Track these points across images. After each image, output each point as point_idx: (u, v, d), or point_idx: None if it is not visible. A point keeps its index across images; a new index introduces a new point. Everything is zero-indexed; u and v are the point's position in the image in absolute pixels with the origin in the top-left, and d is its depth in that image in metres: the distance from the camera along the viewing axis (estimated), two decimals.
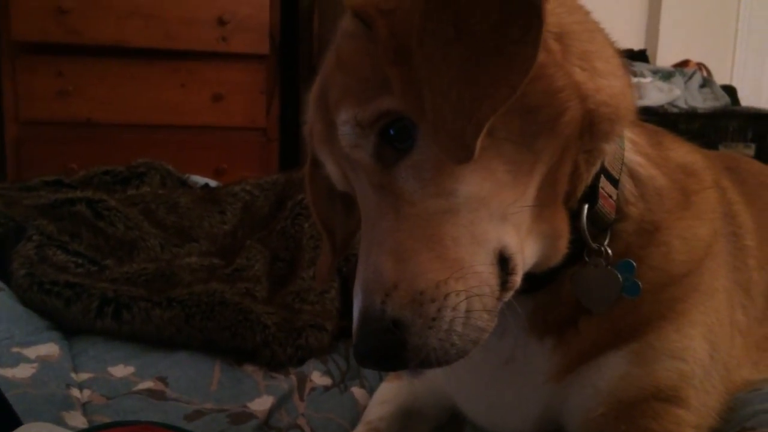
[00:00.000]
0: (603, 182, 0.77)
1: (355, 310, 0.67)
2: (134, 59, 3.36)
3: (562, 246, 0.75)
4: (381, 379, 1.17)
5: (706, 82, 4.12)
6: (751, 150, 3.70)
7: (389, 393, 1.02)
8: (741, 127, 3.76)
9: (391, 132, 0.69)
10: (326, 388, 1.26)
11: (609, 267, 0.76)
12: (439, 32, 0.63)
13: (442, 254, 0.65)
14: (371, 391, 1.20)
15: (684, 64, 4.37)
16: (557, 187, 0.73)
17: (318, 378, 1.29)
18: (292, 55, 3.79)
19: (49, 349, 1.25)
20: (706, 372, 0.80)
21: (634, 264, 0.77)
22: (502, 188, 0.68)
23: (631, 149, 0.83)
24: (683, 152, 0.90)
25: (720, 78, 4.48)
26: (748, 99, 4.49)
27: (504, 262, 0.69)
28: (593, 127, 0.73)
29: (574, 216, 0.76)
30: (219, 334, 1.32)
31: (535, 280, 0.78)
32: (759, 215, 0.99)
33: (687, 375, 0.78)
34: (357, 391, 1.24)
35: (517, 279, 0.70)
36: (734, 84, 4.59)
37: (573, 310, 0.79)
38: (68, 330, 1.35)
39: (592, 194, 0.77)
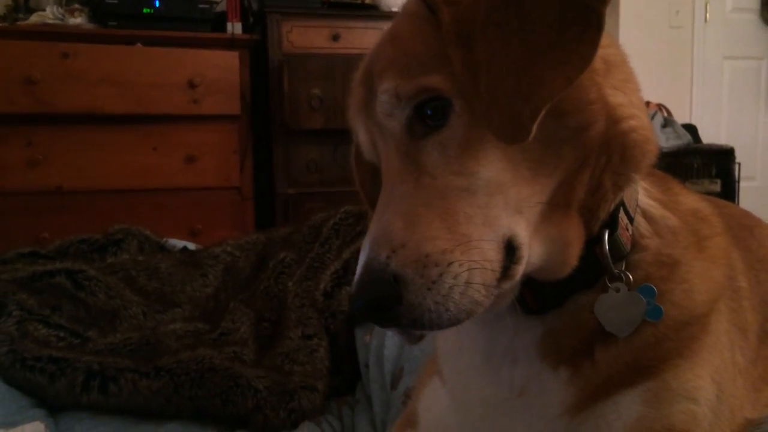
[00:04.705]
0: (621, 214, 0.80)
1: (359, 262, 0.69)
2: (105, 126, 3.36)
3: (572, 256, 0.76)
4: None
5: (668, 122, 4.25)
6: (716, 185, 3.80)
7: None
8: (705, 164, 3.87)
9: (428, 111, 0.72)
10: None
11: (632, 291, 0.78)
12: (502, 23, 0.68)
13: (452, 227, 0.68)
14: None
15: None
16: (572, 193, 0.75)
17: None
18: (264, 112, 3.83)
19: (35, 428, 1.22)
20: (715, 414, 0.80)
21: (655, 289, 0.78)
22: (520, 181, 0.71)
23: (643, 194, 0.86)
24: (692, 198, 0.92)
25: (680, 117, 4.63)
26: (708, 136, 4.64)
27: (511, 250, 0.71)
28: (625, 152, 0.77)
29: (594, 242, 0.78)
30: (209, 402, 1.29)
31: (543, 297, 0.79)
32: (745, 257, 1.01)
33: (699, 417, 0.78)
34: None
35: (520, 269, 0.72)
36: (694, 122, 4.74)
37: (588, 338, 0.79)
38: (53, 407, 1.32)
39: (612, 222, 0.79)
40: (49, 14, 3.48)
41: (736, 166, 4.06)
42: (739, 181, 4.16)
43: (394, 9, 3.88)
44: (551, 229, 0.74)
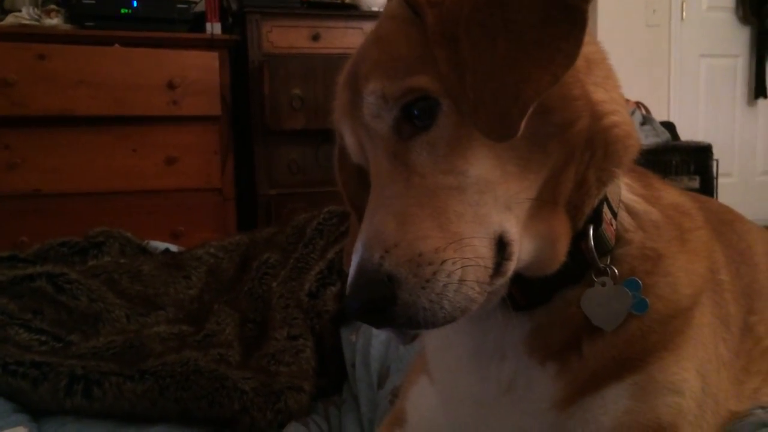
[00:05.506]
0: (605, 209, 0.81)
1: (352, 264, 0.69)
2: (83, 127, 3.32)
3: (560, 251, 0.77)
4: None
5: (646, 120, 4.29)
6: (695, 182, 3.85)
7: None
8: (684, 160, 3.92)
9: (415, 111, 0.73)
10: None
11: (617, 284, 0.79)
12: (487, 22, 0.69)
13: (444, 225, 0.69)
14: None
15: None
16: (558, 189, 0.76)
17: None
18: (244, 113, 3.81)
19: None
20: (700, 406, 0.81)
21: (640, 282, 0.80)
22: (509, 178, 0.72)
23: (626, 189, 0.87)
24: (673, 193, 0.94)
25: (658, 115, 4.69)
26: (686, 133, 4.70)
27: (502, 246, 0.72)
28: (608, 147, 0.78)
29: (579, 237, 0.79)
30: (196, 404, 1.28)
31: (531, 293, 0.80)
32: (726, 250, 1.03)
33: (684, 410, 0.79)
34: None
35: (511, 265, 0.73)
36: (672, 120, 4.80)
37: (576, 333, 0.80)
38: (36, 412, 1.30)
39: (596, 217, 0.80)
40: (25, 15, 3.43)
41: (714, 163, 4.12)
42: (717, 178, 4.22)
43: (374, 8, 3.88)
44: (540, 225, 0.75)
